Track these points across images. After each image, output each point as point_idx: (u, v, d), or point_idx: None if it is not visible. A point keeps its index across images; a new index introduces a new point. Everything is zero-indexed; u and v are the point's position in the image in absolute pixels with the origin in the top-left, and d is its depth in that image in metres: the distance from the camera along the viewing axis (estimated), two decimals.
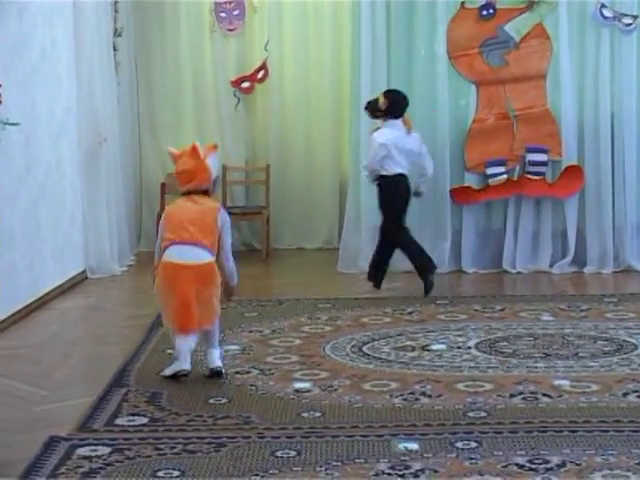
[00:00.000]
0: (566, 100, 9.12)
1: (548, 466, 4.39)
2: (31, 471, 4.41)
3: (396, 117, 8.17)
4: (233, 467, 4.43)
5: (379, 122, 8.25)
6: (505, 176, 9.15)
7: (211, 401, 5.40)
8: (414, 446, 4.65)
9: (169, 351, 6.28)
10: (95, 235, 9.04)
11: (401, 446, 4.65)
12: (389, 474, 4.33)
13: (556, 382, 5.67)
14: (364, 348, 6.51)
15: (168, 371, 5.79)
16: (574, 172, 9.12)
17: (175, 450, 4.64)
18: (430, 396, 5.45)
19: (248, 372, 5.93)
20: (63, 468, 4.45)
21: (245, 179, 10.76)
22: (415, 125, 8.82)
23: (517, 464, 4.42)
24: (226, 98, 10.43)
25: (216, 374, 5.79)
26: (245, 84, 10.48)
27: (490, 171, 9.14)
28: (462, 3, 9.15)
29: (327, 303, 7.84)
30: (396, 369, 6.02)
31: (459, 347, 6.50)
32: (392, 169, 8.09)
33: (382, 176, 8.12)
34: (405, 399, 5.41)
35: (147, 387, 5.66)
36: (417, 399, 5.41)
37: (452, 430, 4.86)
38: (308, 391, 5.57)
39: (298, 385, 5.68)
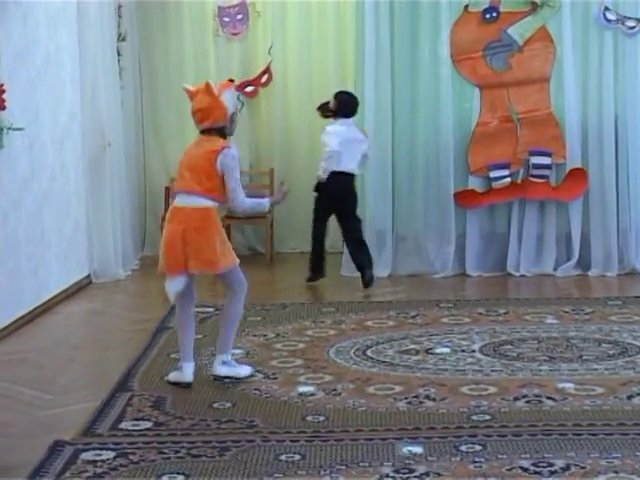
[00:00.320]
0: (570, 103, 9.12)
1: (552, 469, 4.39)
2: (36, 475, 4.41)
3: (346, 116, 8.62)
4: (237, 471, 4.43)
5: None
6: (509, 179, 9.15)
7: (215, 405, 5.40)
8: (418, 449, 4.65)
9: (173, 356, 6.30)
10: (99, 239, 9.05)
11: (405, 449, 4.65)
12: (393, 477, 4.33)
13: (560, 385, 5.66)
14: (368, 352, 6.51)
15: (172, 377, 5.80)
16: (578, 175, 9.12)
17: (179, 454, 4.65)
18: (434, 399, 5.45)
19: (252, 376, 5.93)
20: (68, 472, 4.45)
21: (249, 183, 10.75)
22: (419, 128, 8.94)
23: (521, 467, 4.42)
24: None
25: (217, 379, 5.80)
26: (249, 88, 10.49)
27: (494, 174, 9.14)
28: (465, 6, 9.16)
29: (331, 307, 7.85)
30: (400, 373, 6.02)
31: (463, 350, 6.50)
32: (336, 167, 8.51)
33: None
34: (409, 402, 5.41)
35: (151, 391, 5.67)
36: (421, 402, 5.41)
37: (456, 433, 4.86)
38: (312, 395, 5.58)
39: (302, 389, 5.68)
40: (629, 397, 5.43)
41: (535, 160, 9.13)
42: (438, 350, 6.51)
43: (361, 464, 4.49)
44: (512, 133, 9.16)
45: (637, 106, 9.13)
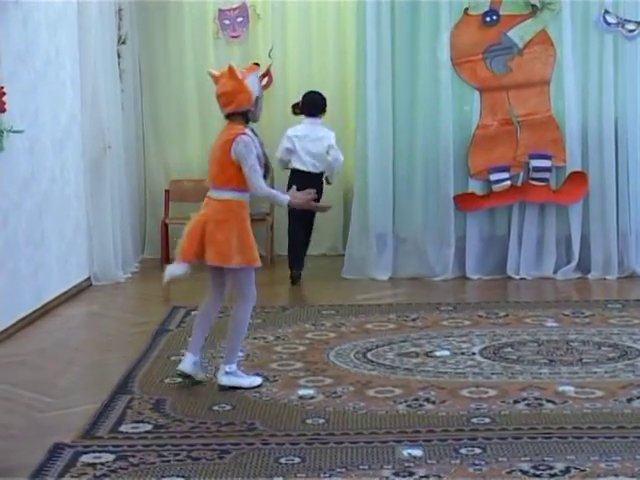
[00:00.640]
0: (570, 106, 9.12)
1: (552, 472, 4.39)
2: (35, 478, 4.41)
3: (311, 115, 8.95)
4: (237, 474, 4.43)
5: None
6: (509, 182, 9.15)
7: (215, 408, 5.40)
8: (418, 452, 4.65)
9: (173, 358, 6.30)
10: (99, 242, 9.05)
11: (405, 452, 4.65)
12: None
13: (560, 388, 5.66)
14: (368, 354, 6.51)
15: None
16: (578, 178, 9.12)
17: (179, 457, 4.65)
18: (434, 402, 5.45)
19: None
20: (67, 475, 4.45)
21: None
22: (419, 130, 8.93)
23: (521, 470, 4.42)
24: None
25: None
26: None
27: (494, 177, 9.14)
28: (465, 10, 9.16)
29: (331, 310, 7.84)
30: (400, 375, 6.02)
31: (463, 353, 6.50)
32: (292, 164, 8.90)
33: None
34: (409, 405, 5.41)
35: (151, 394, 5.66)
36: (421, 405, 5.41)
37: (456, 436, 4.86)
38: (312, 398, 5.57)
39: (302, 392, 5.68)
40: (629, 400, 5.43)
41: (535, 163, 9.13)
42: (438, 353, 6.50)
43: (361, 467, 4.49)
44: (512, 136, 9.16)
45: (637, 109, 9.12)
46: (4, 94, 6.86)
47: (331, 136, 8.95)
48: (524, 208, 9.22)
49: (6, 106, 6.89)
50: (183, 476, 4.42)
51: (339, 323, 7.40)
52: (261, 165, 5.66)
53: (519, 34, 9.13)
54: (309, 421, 5.17)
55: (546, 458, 4.54)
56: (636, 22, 9.05)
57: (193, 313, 7.67)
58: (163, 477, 4.41)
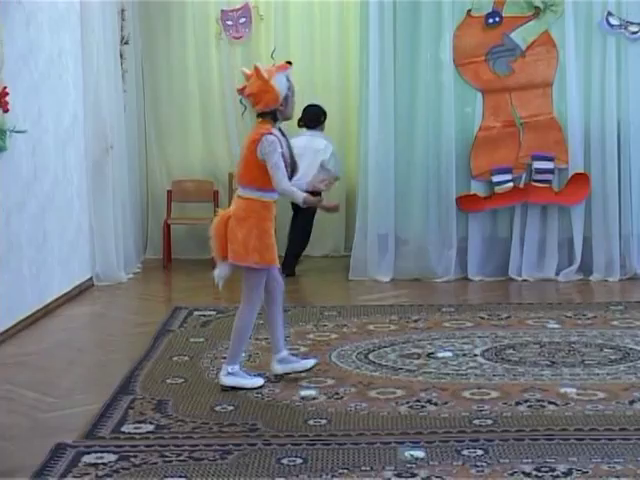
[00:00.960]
0: (572, 108, 9.11)
1: (554, 474, 4.39)
2: (37, 478, 4.41)
3: (309, 127, 9.33)
4: (239, 474, 4.43)
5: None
6: (511, 184, 9.15)
7: (217, 408, 5.40)
8: (420, 454, 4.65)
9: (175, 358, 6.31)
10: (101, 243, 9.05)
11: (407, 454, 4.65)
12: None
13: (562, 390, 5.66)
14: (370, 355, 6.51)
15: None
16: (580, 180, 9.11)
17: (181, 457, 4.65)
18: (436, 404, 5.45)
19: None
20: (69, 475, 4.45)
21: None
22: (421, 132, 8.91)
23: (523, 472, 4.42)
24: (232, 106, 10.42)
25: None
26: None
27: (496, 179, 9.14)
28: (468, 11, 9.16)
29: (333, 310, 7.84)
30: (402, 377, 6.02)
31: (465, 355, 6.49)
32: None
33: None
34: (411, 407, 5.41)
35: (153, 394, 5.66)
36: (423, 407, 5.41)
37: (458, 438, 4.86)
38: (314, 398, 5.57)
39: (304, 392, 5.68)
40: (631, 402, 5.43)
41: (537, 165, 9.12)
42: (440, 354, 6.50)
43: (363, 468, 4.49)
44: (514, 138, 9.16)
45: None
46: (7, 94, 6.87)
47: (329, 150, 9.17)
48: (526, 210, 9.22)
49: (9, 106, 6.90)
50: (185, 476, 4.42)
51: (341, 324, 7.40)
52: (286, 165, 5.67)
53: (522, 36, 9.13)
54: (311, 422, 5.17)
55: (548, 460, 4.54)
56: (639, 24, 9.04)
57: (195, 313, 7.69)
58: (165, 477, 4.41)
